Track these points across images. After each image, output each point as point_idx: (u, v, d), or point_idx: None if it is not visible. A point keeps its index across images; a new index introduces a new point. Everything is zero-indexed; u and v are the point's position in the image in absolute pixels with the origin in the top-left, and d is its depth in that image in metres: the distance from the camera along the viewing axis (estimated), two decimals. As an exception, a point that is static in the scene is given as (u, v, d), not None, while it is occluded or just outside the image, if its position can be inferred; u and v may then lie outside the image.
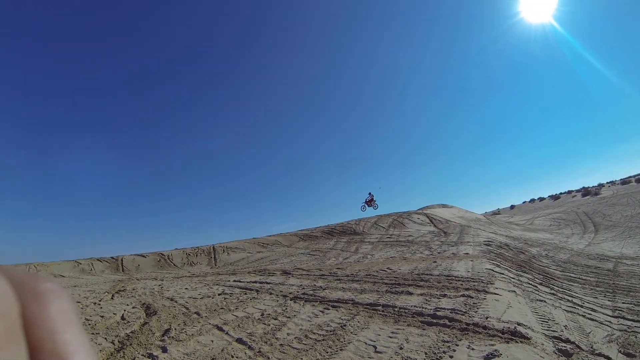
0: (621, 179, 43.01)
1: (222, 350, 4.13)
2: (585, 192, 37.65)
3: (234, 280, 8.51)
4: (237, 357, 3.93)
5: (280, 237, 18.30)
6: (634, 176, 40.58)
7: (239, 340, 4.38)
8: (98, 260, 14.42)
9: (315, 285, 7.26)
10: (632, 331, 4.87)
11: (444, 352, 3.63)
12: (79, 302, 6.89)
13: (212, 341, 4.45)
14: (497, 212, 43.11)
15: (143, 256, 15.28)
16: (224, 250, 15.91)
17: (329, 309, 5.40)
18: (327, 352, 3.87)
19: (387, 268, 8.20)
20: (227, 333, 4.69)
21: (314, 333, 4.45)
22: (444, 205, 27.04)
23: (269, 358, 3.86)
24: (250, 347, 4.15)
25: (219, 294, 6.99)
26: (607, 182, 45.28)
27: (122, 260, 14.60)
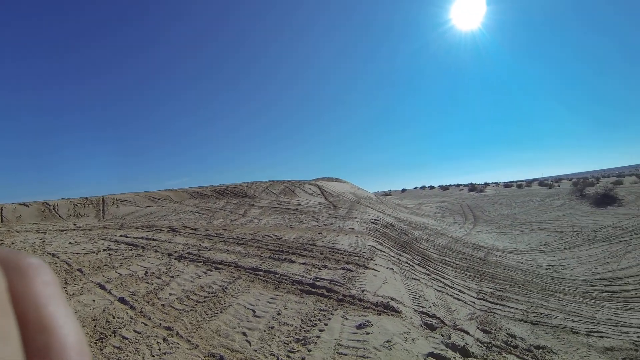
0: (505, 182, 66.34)
1: (103, 310, 5.30)
2: (472, 187, 56.07)
3: (121, 235, 10.84)
4: (118, 318, 5.07)
5: (172, 193, 23.27)
6: (517, 182, 63.57)
7: (121, 300, 5.69)
8: None
9: (200, 245, 9.48)
10: (491, 312, 8.06)
11: (320, 320, 5.34)
12: None
13: (94, 301, 5.65)
14: (388, 193, 60.71)
15: (26, 205, 18.26)
16: (113, 203, 19.68)
17: (212, 271, 7.23)
18: (207, 314, 5.27)
19: (273, 234, 10.98)
20: (109, 292, 6.04)
21: (196, 294, 6.01)
22: (337, 180, 35.99)
23: (150, 319, 5.06)
24: (132, 307, 5.41)
25: (104, 250, 8.98)
26: (492, 183, 69.12)
27: (1, 209, 17.15)
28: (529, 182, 58.41)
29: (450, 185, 69.75)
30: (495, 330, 6.96)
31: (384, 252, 10.02)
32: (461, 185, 66.68)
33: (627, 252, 16.06)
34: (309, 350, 4.43)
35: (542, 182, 55.22)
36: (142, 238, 10.28)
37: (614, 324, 8.51)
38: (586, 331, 7.92)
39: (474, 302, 8.47)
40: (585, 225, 22.08)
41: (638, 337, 7.85)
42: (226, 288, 6.23)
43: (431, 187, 70.44)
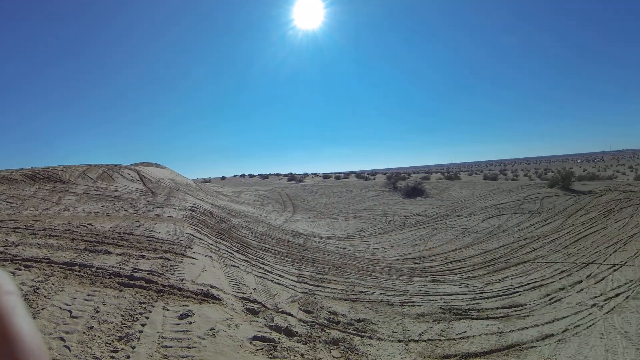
0: (324, 173, 73.61)
1: None
2: (292, 177, 59.65)
3: None
4: None
5: None
6: (335, 174, 71.38)
7: None
8: None
9: (7, 240, 8.29)
10: (312, 293, 8.68)
11: (141, 313, 5.25)
12: None
13: None
14: (207, 181, 62.25)
15: None
16: None
17: (21, 270, 6.40)
18: None
19: (89, 224, 10.28)
20: None
21: None
22: (157, 165, 35.28)
23: None
24: None
25: None
26: (312, 174, 76.34)
27: None
28: (347, 175, 65.08)
29: (270, 174, 72.91)
30: (317, 310, 7.59)
31: (202, 239, 10.13)
32: (281, 174, 70.40)
33: (432, 236, 19.26)
34: (133, 348, 4.35)
35: (359, 175, 62.44)
36: None
37: (423, 294, 10.15)
38: (400, 302, 9.28)
39: (295, 286, 9.12)
40: (397, 213, 25.53)
41: (444, 302, 9.58)
42: (38, 289, 5.60)
43: (251, 176, 73.33)
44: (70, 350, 4.25)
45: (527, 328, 8.58)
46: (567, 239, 16.51)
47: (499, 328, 8.46)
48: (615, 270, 12.16)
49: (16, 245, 7.82)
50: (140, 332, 4.68)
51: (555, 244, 16.09)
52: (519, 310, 9.61)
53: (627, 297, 10.07)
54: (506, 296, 10.58)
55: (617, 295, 10.33)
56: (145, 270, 6.59)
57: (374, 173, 72.52)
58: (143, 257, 7.43)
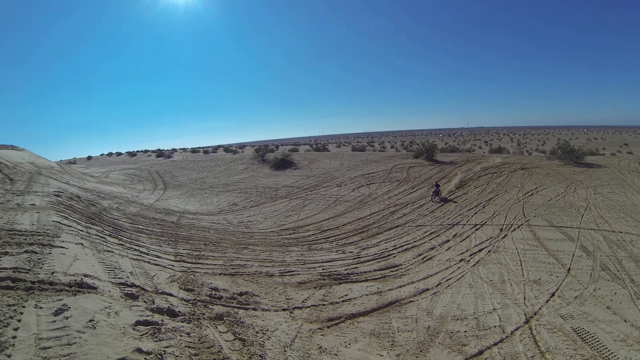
0: (192, 148, 71.75)
1: None
2: (160, 153, 58.20)
3: None
4: None
5: None
6: (203, 148, 70.93)
7: None
8: None
9: None
10: (191, 271, 8.72)
11: (11, 317, 4.76)
12: None
13: None
14: (73, 162, 57.37)
15: None
16: None
17: None
18: None
19: None
20: None
21: None
22: (13, 147, 31.07)
23: None
24: None
25: None
26: (180, 149, 73.22)
27: None
28: (215, 148, 64.70)
29: (138, 151, 70.45)
30: (198, 287, 7.69)
31: (71, 226, 9.45)
32: (149, 151, 68.00)
33: (304, 206, 20.04)
34: (9, 356, 4.00)
35: (227, 149, 62.16)
36: None
37: (302, 263, 10.72)
38: (280, 273, 9.73)
39: (172, 265, 9.06)
40: (267, 185, 25.97)
41: (323, 269, 10.25)
42: None
43: (118, 154, 69.37)
44: None
45: (404, 286, 9.63)
46: (433, 205, 18.62)
47: (378, 288, 9.36)
48: (477, 230, 14.15)
49: None
50: (14, 337, 4.29)
51: (423, 209, 18.06)
52: (395, 271, 10.71)
53: (489, 252, 11.84)
54: (382, 259, 11.68)
55: (480, 250, 12.08)
56: (10, 268, 5.95)
57: (242, 146, 72.21)
58: (5, 253, 6.65)
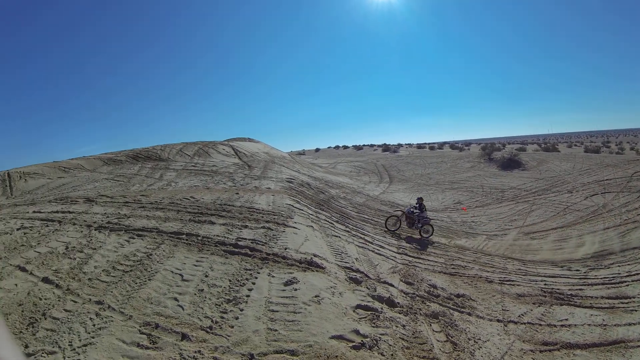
0: (417, 144, 71.14)
1: (28, 293, 5.09)
2: (386, 148, 59.05)
3: (34, 212, 10.37)
4: (45, 299, 4.93)
5: (83, 161, 22.59)
6: (429, 144, 68.52)
7: (45, 280, 5.49)
8: None
9: (119, 213, 9.28)
10: (412, 265, 8.68)
11: (247, 279, 5.51)
12: None
13: (16, 285, 5.41)
14: (302, 153, 62.91)
15: None
16: (20, 177, 19.19)
17: (134, 238, 7.22)
18: (136, 283, 5.30)
19: (191, 197, 11.07)
20: (31, 273, 5.78)
21: (121, 264, 6.00)
22: (250, 140, 36.44)
23: (79, 295, 4.99)
24: (58, 286, 5.29)
25: (17, 229, 8.55)
26: (406, 144, 72.82)
27: None
28: (441, 145, 62.55)
29: (364, 145, 71.85)
30: (417, 282, 7.44)
31: (302, 210, 10.30)
32: (375, 145, 69.07)
33: (531, 211, 18.01)
34: (241, 310, 4.58)
35: (453, 145, 59.53)
36: (57, 212, 9.80)
37: (523, 274, 9.54)
38: (499, 280, 8.80)
39: (395, 257, 9.00)
40: (493, 185, 24.27)
41: (545, 284, 8.90)
42: (151, 255, 6.21)
43: (345, 147, 72.48)
44: (183, 309, 4.60)
45: (634, 324, 7.64)
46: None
47: (603, 320, 7.61)
48: None
49: (128, 217, 8.71)
50: (248, 296, 4.94)
51: (672, 231, 14.14)
52: (627, 303, 8.58)
53: None
54: (612, 285, 9.50)
55: None
56: (249, 239, 6.91)
57: (467, 143, 68.76)
58: (246, 227, 7.77)
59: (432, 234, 12.41)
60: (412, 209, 12.76)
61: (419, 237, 11.70)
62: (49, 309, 4.68)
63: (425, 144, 70.39)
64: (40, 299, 4.90)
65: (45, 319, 4.49)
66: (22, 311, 4.69)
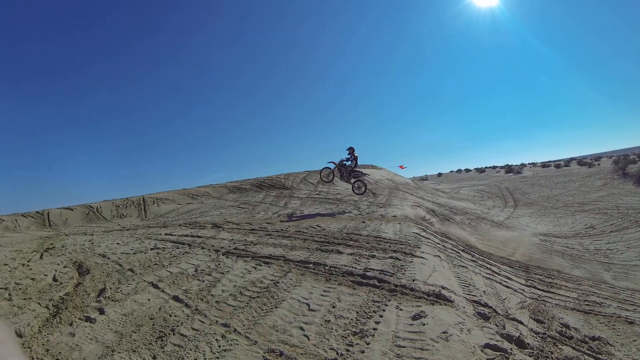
0: (542, 162, 63.84)
1: (159, 309, 5.52)
2: (509, 169, 54.74)
3: (165, 234, 11.17)
4: (174, 316, 5.27)
5: (210, 189, 23.86)
6: (554, 161, 60.71)
7: (175, 298, 5.90)
8: (22, 215, 17.96)
9: (246, 239, 9.69)
10: (542, 300, 8.03)
11: (374, 311, 5.35)
12: (5, 264, 8.66)
13: (149, 300, 5.90)
14: (424, 178, 60.50)
15: (70, 209, 19.10)
16: (153, 202, 20.65)
17: (261, 265, 7.41)
18: (263, 310, 5.40)
19: (317, 225, 11.11)
20: (162, 290, 6.28)
21: (248, 290, 6.17)
22: (373, 166, 34.98)
23: (206, 316, 5.23)
24: (187, 305, 5.61)
25: (151, 249, 9.30)
26: (529, 163, 66.29)
27: (48, 214, 18.15)
28: (567, 162, 55.93)
29: (486, 167, 68.33)
30: (548, 319, 6.80)
31: (429, 239, 9.97)
32: (497, 167, 64.98)
33: (680, 236, 15.35)
34: (368, 343, 4.46)
35: (580, 161, 52.96)
36: (186, 235, 10.56)
37: None
38: (642, 321, 7.65)
39: (523, 290, 8.30)
40: (631, 205, 21.17)
41: None
42: (278, 282, 6.36)
43: (467, 170, 69.67)
44: (308, 339, 4.56)
45: None
46: None
47: None
48: None
49: (254, 244, 8.99)
50: (374, 329, 4.77)
51: None
52: None
53: None
54: None
55: None
56: (377, 270, 6.80)
57: (597, 157, 59.57)
58: (373, 256, 7.68)
59: (364, 192, 13.39)
60: (344, 160, 12.19)
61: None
62: (178, 326, 4.96)
63: (550, 161, 63.25)
64: (170, 316, 5.25)
65: (174, 334, 4.76)
66: (153, 325, 5.04)
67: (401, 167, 18.33)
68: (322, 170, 13.82)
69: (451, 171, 74.00)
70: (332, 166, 13.44)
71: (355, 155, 13.53)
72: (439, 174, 68.85)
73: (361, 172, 13.54)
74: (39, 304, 5.97)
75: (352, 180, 12.86)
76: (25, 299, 6.26)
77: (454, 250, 9.91)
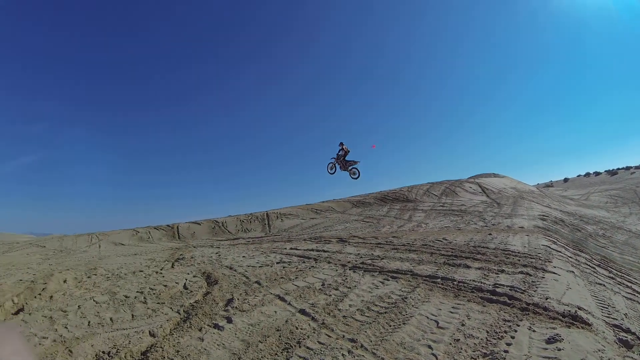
0: None
1: (285, 321, 5.65)
2: None
3: (291, 248, 11.42)
4: (301, 329, 5.34)
5: (333, 204, 24.46)
6: None
7: (302, 312, 5.99)
8: (155, 228, 19.96)
9: (372, 254, 9.65)
10: None
11: (505, 332, 4.94)
12: (141, 270, 9.36)
13: (276, 312, 6.06)
14: (549, 185, 56.60)
15: (198, 224, 20.85)
16: (277, 217, 21.44)
17: (388, 280, 7.32)
18: (390, 326, 5.28)
19: (443, 238, 10.83)
20: (289, 304, 6.41)
21: (376, 305, 6.09)
22: (495, 175, 34.58)
23: (333, 330, 5.23)
24: (313, 319, 5.66)
25: (277, 263, 9.56)
26: None
27: (177, 227, 20.15)
28: None
29: (618, 168, 60.04)
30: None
31: (560, 252, 9.08)
32: (632, 167, 56.49)
33: None
34: None
35: None
36: (312, 250, 10.77)
37: None
38: None
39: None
40: None
41: None
42: (406, 298, 6.20)
43: (596, 173, 62.20)
44: (437, 358, 4.33)
45: None
46: None
47: None
48: None
49: (381, 259, 8.88)
50: (506, 351, 4.41)
51: None
52: None
53: None
54: None
55: None
56: (507, 286, 6.33)
57: None
58: (502, 271, 7.21)
59: (358, 176, 13.73)
60: (338, 153, 14.27)
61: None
62: (304, 339, 4.97)
63: None
64: (297, 328, 5.28)
65: (300, 347, 4.78)
66: (279, 336, 5.11)
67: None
68: (328, 165, 14.91)
69: (578, 175, 66.99)
70: (333, 160, 14.91)
71: (345, 148, 14.87)
72: (565, 179, 63.32)
73: (355, 161, 14.71)
74: (170, 308, 6.51)
75: (349, 168, 14.04)
76: (158, 303, 6.86)
77: (589, 265, 8.92)
